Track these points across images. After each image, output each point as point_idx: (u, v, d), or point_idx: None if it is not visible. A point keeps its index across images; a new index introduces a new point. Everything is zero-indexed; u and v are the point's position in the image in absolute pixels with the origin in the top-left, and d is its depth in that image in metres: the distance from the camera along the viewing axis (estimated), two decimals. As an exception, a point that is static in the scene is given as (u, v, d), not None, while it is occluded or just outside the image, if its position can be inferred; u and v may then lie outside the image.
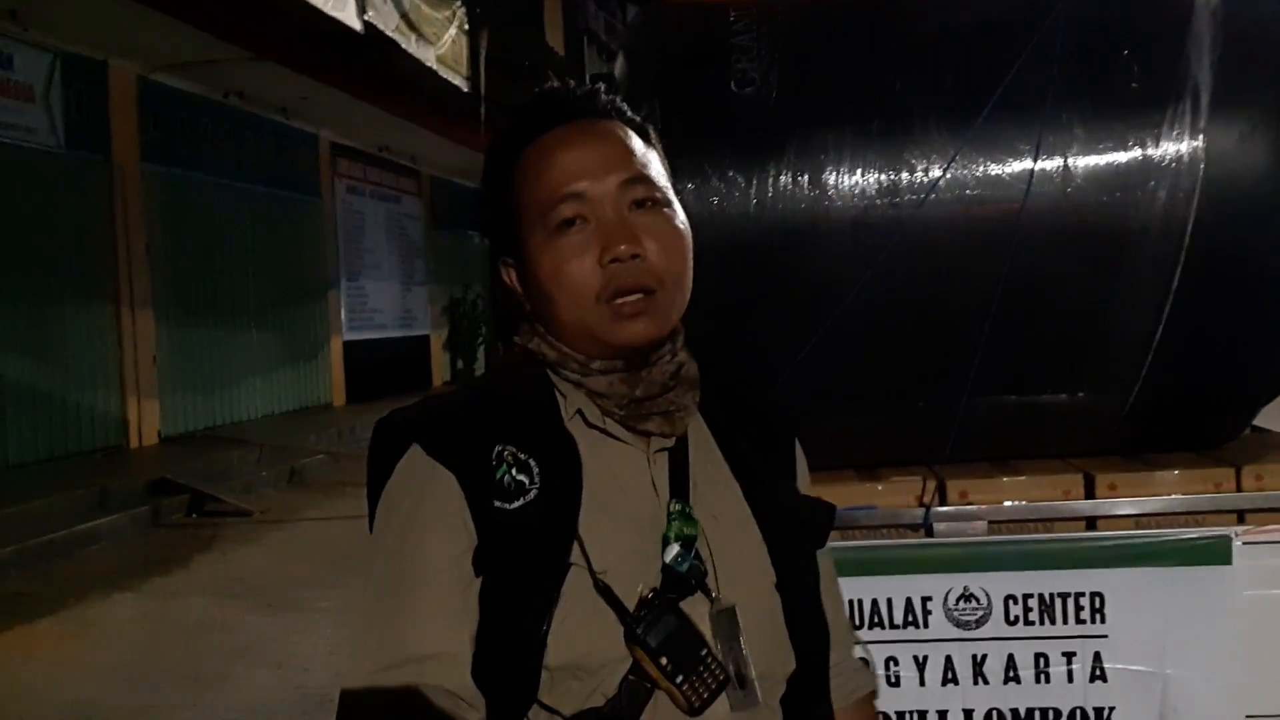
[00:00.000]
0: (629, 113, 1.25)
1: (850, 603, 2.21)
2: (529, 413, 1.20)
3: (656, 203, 1.18)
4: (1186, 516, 2.21)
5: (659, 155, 1.25)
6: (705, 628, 1.15)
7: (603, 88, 1.26)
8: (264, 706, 4.79)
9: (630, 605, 1.12)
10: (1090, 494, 2.24)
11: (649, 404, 1.18)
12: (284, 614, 6.18)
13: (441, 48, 11.90)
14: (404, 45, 10.86)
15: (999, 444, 2.38)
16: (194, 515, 8.90)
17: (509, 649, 1.12)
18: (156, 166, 11.33)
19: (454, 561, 1.13)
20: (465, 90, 12.65)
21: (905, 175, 2.12)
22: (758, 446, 1.29)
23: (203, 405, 12.02)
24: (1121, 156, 2.08)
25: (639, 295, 1.14)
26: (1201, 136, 2.06)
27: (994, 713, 2.21)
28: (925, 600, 2.21)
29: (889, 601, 2.22)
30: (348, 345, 15.67)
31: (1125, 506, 2.21)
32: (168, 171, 11.54)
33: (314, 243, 15.01)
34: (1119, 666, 2.17)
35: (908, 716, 2.22)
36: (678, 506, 1.17)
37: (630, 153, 1.20)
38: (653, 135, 1.26)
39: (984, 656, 2.20)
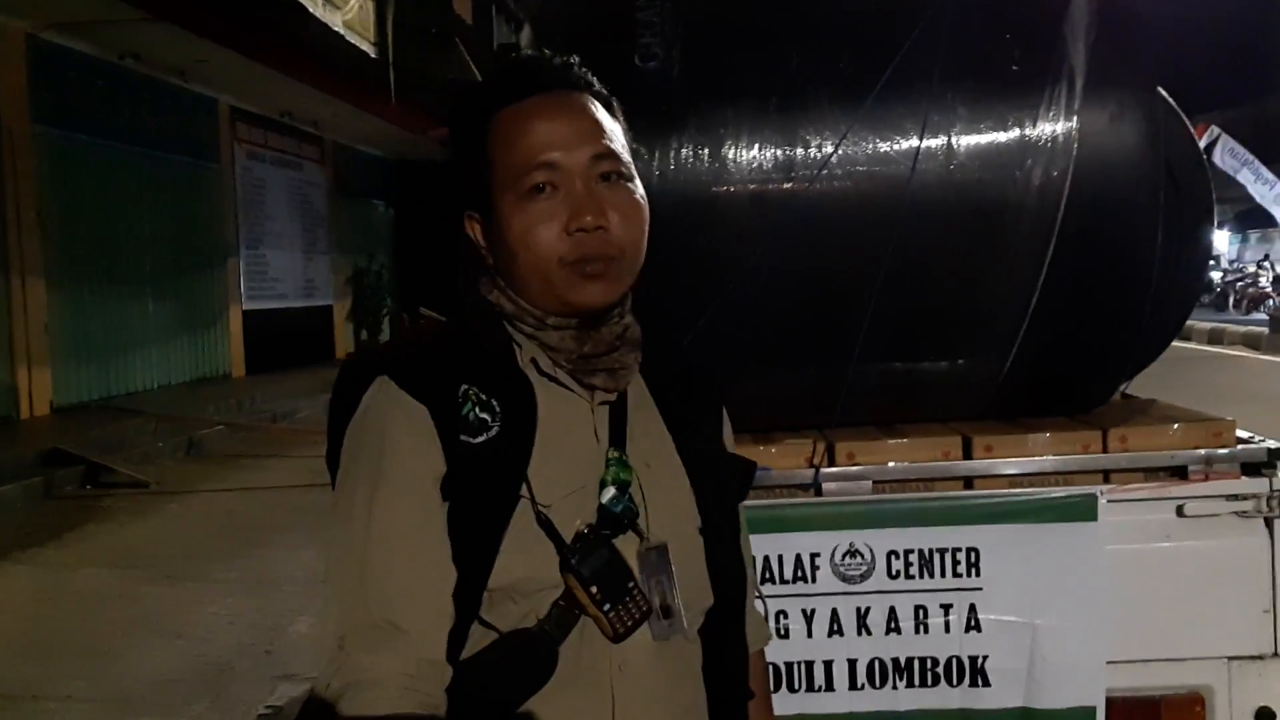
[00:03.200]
0: (599, 87, 1.34)
1: (744, 560, 2.31)
2: (489, 358, 1.30)
3: (621, 176, 1.29)
4: (1057, 476, 2.35)
5: (623, 129, 1.35)
6: (634, 564, 1.28)
7: (577, 61, 1.34)
8: (163, 677, 4.75)
9: (568, 538, 1.24)
10: (968, 455, 2.37)
11: (596, 360, 1.30)
12: (183, 585, 6.10)
13: (349, 13, 11.67)
14: (310, 9, 10.64)
15: (885, 409, 2.50)
16: (88, 487, 8.69)
17: (460, 570, 1.23)
18: (47, 129, 10.93)
19: (430, 488, 1.23)
20: (372, 56, 12.46)
21: (800, 151, 2.21)
22: (689, 405, 1.43)
23: (97, 375, 11.69)
24: (1001, 136, 2.20)
25: (601, 261, 1.25)
26: (1075, 117, 2.18)
27: (876, 662, 2.33)
28: (814, 556, 2.32)
29: (780, 558, 2.32)
30: (248, 315, 15.36)
31: (1000, 467, 2.35)
32: (59, 134, 11.14)
33: (213, 210, 14.65)
34: (992, 617, 2.31)
35: (796, 667, 2.34)
36: (615, 454, 1.30)
37: (601, 127, 1.30)
38: (617, 109, 1.36)
39: (867, 609, 2.32)
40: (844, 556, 2.32)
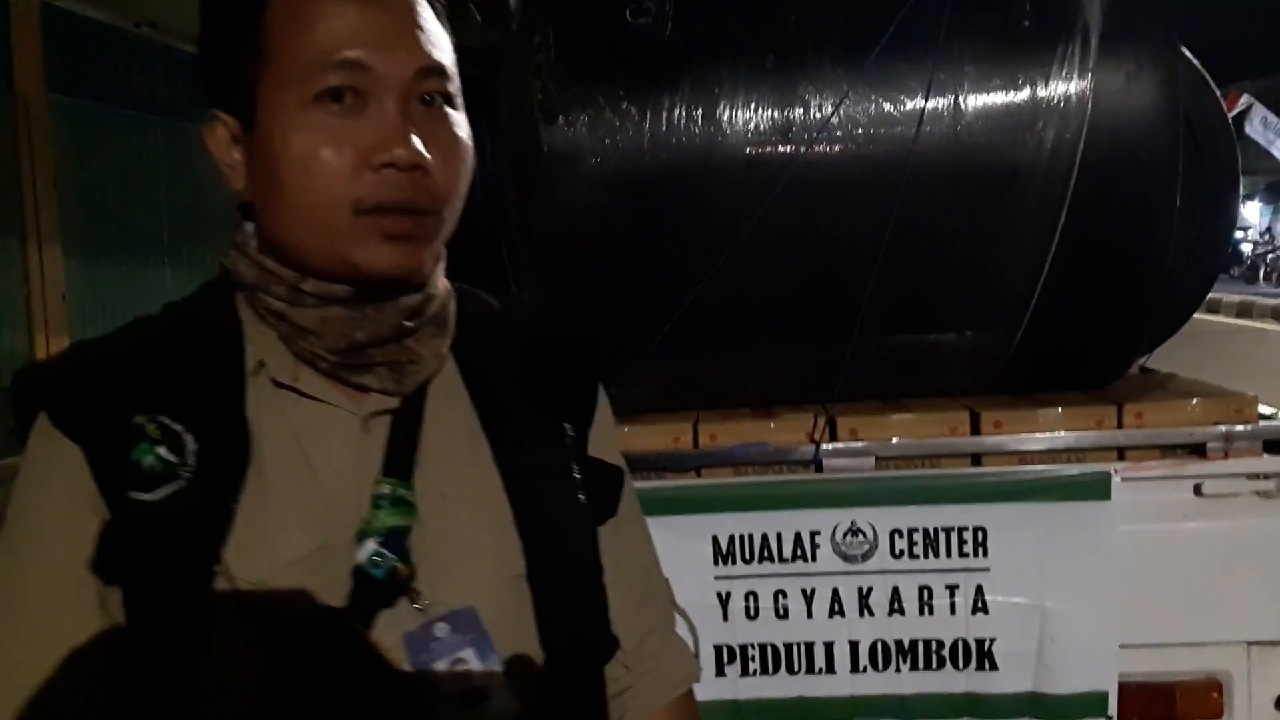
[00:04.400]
0: None
1: (741, 538, 2.24)
2: (198, 363, 0.93)
3: (449, 102, 0.93)
4: (1069, 454, 2.25)
5: (451, 43, 0.97)
6: (402, 652, 0.90)
7: None
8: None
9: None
10: (976, 431, 2.27)
11: (374, 351, 0.93)
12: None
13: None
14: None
15: (890, 383, 2.41)
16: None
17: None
18: (63, 97, 10.90)
19: (80, 576, 0.87)
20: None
21: (799, 112, 2.11)
22: (534, 396, 1.03)
23: (115, 344, 11.70)
24: (1012, 96, 2.09)
25: (409, 216, 0.89)
26: (1090, 76, 2.07)
27: (879, 644, 2.25)
28: (814, 535, 2.24)
29: (779, 536, 2.24)
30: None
31: (1010, 444, 2.25)
32: (76, 103, 11.11)
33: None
34: (1000, 599, 2.22)
35: (795, 648, 2.26)
36: (388, 488, 0.92)
37: (429, 33, 0.92)
38: (443, 14, 0.97)
39: (870, 589, 2.24)
40: (845, 535, 2.23)
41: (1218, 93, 3.07)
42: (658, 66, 2.14)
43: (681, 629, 1.26)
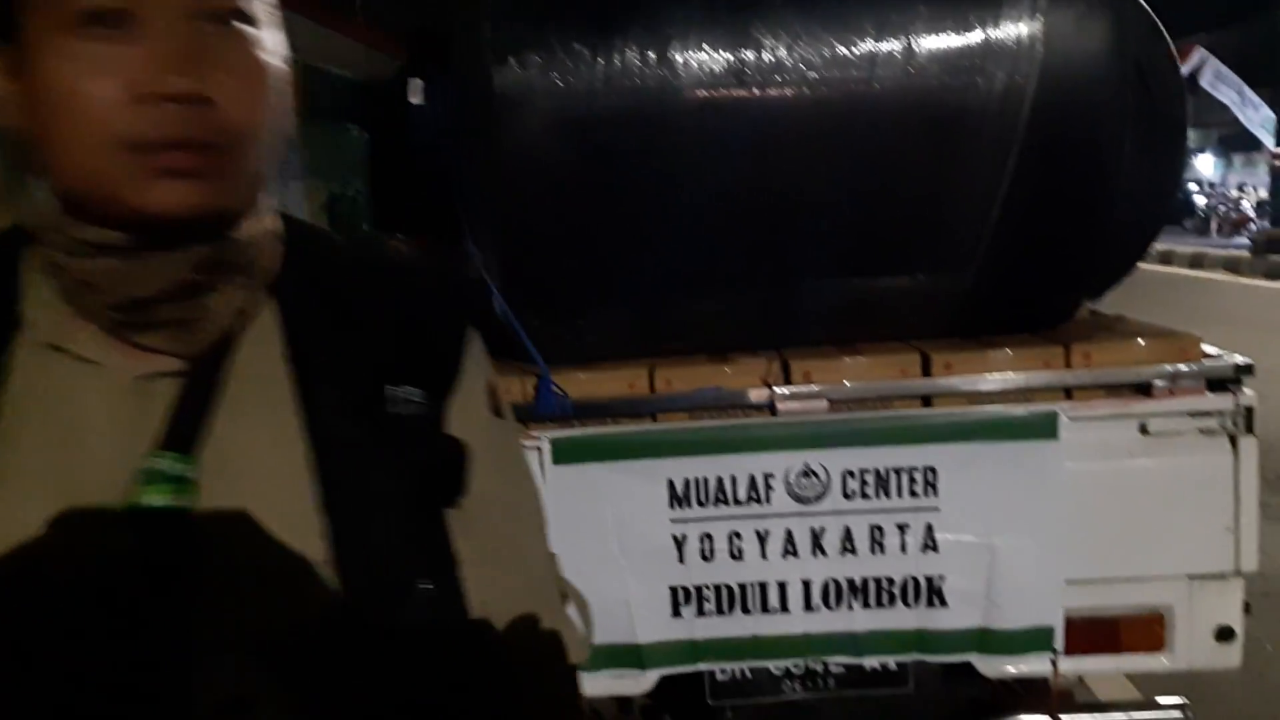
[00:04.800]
0: None
1: (697, 481, 2.26)
2: None
3: (245, 19, 0.80)
4: (1018, 394, 2.29)
5: None
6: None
7: None
8: None
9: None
10: (927, 373, 2.30)
11: (160, 308, 0.81)
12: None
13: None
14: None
15: (847, 327, 2.42)
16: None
17: None
18: None
19: None
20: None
21: (752, 53, 2.10)
22: (371, 356, 0.88)
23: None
24: (963, 38, 2.09)
25: (195, 151, 0.78)
26: (1040, 18, 2.08)
27: (831, 583, 2.29)
28: (768, 477, 2.26)
29: (733, 479, 2.26)
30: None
31: (959, 385, 2.28)
32: None
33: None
34: (949, 537, 2.27)
35: (750, 588, 2.29)
36: (161, 462, 0.79)
37: None
38: None
39: (822, 529, 2.27)
40: (799, 476, 2.26)
41: (1169, 41, 3.09)
42: (610, 6, 2.12)
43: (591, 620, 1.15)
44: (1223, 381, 2.26)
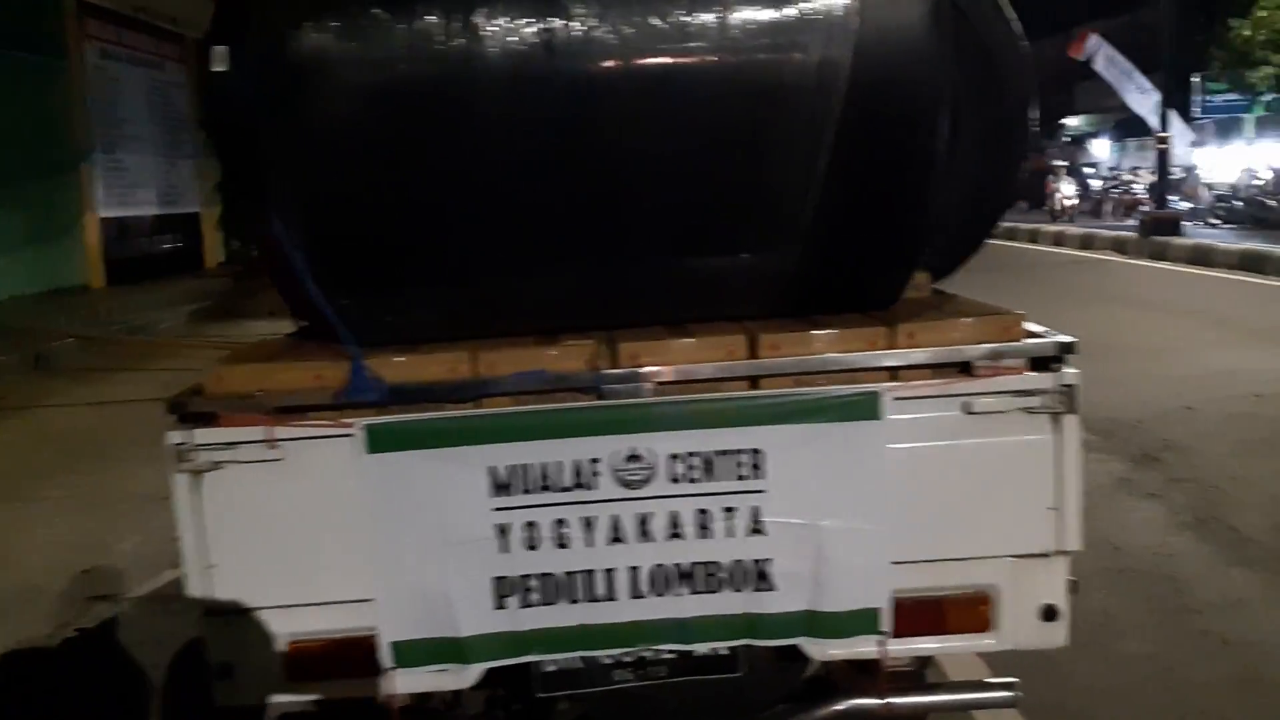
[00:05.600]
0: None
1: (520, 467, 2.19)
2: None
3: None
4: (844, 374, 2.26)
5: None
6: None
7: None
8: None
9: None
10: (754, 355, 2.26)
11: None
12: (9, 505, 5.77)
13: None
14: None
15: (677, 308, 2.37)
16: (-80, 405, 8.17)
17: None
18: None
19: None
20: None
21: (562, 23, 2.02)
22: None
23: (-66, 286, 10.99)
24: (778, 10, 2.04)
25: None
26: (856, -9, 2.03)
27: (659, 569, 2.24)
28: (594, 462, 2.20)
29: (558, 465, 2.20)
30: (105, 222, 14.59)
31: (784, 366, 2.24)
32: None
33: (61, 111, 13.75)
34: (776, 520, 2.23)
35: (576, 577, 2.23)
36: None
37: None
38: None
39: (649, 514, 2.22)
40: (625, 461, 2.20)
41: (1014, 21, 3.09)
42: (411, -28, 2.02)
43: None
44: (1045, 360, 2.25)
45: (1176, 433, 6.04)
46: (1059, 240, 20.62)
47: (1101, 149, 40.34)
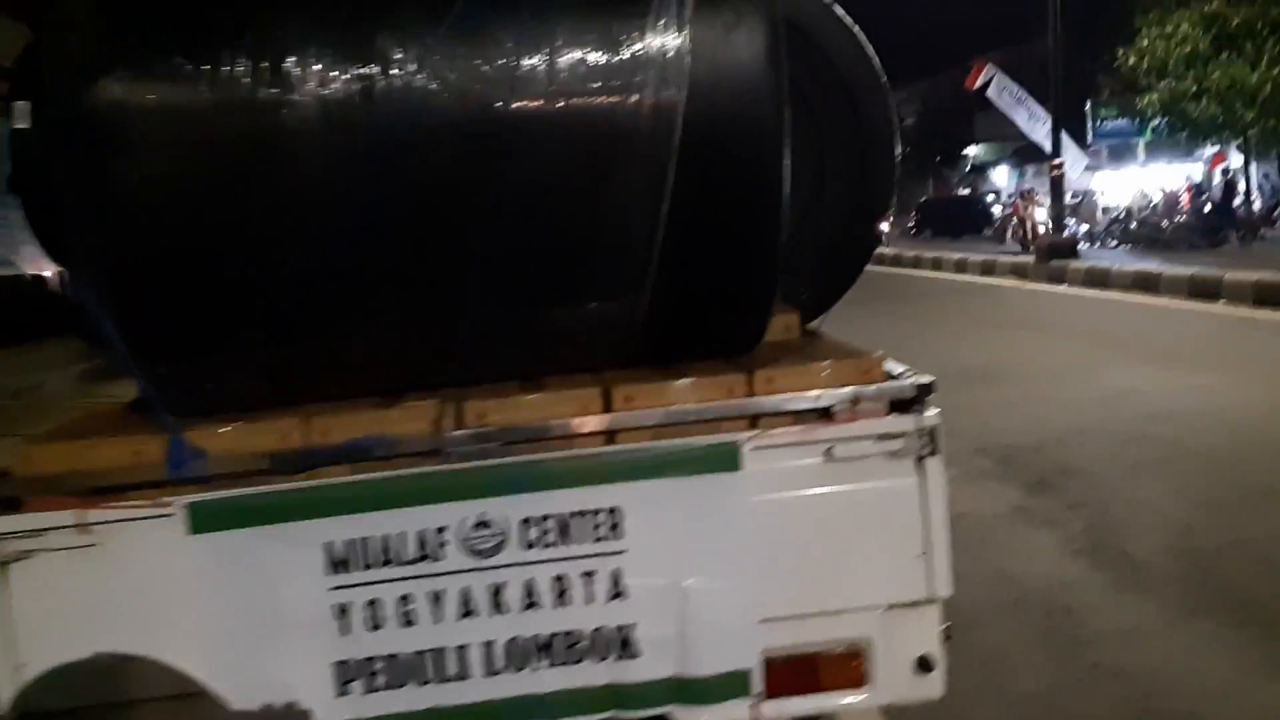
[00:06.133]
0: None
1: (360, 541, 2.05)
2: None
3: None
4: (701, 425, 2.16)
5: None
6: None
7: None
8: None
9: None
10: (609, 408, 2.15)
11: None
12: None
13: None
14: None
15: (528, 361, 2.25)
16: None
17: None
18: None
19: None
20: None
21: (379, 68, 1.90)
22: None
23: None
24: (608, 51, 1.95)
25: None
26: (688, 29, 1.95)
27: (515, 642, 2.11)
28: (440, 531, 2.07)
29: (401, 536, 2.06)
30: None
31: (641, 418, 2.14)
32: None
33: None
34: (638, 582, 2.12)
35: (425, 657, 2.09)
36: None
37: None
38: None
39: (502, 584, 2.09)
40: (474, 528, 2.07)
41: (874, 58, 3.07)
42: (216, 16, 1.89)
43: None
44: (906, 402, 2.18)
45: (1073, 457, 6.08)
46: (961, 267, 21.03)
47: (1001, 176, 41.50)
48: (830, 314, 3.21)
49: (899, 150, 3.14)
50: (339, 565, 2.05)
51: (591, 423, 2.14)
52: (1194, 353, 9.49)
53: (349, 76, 1.90)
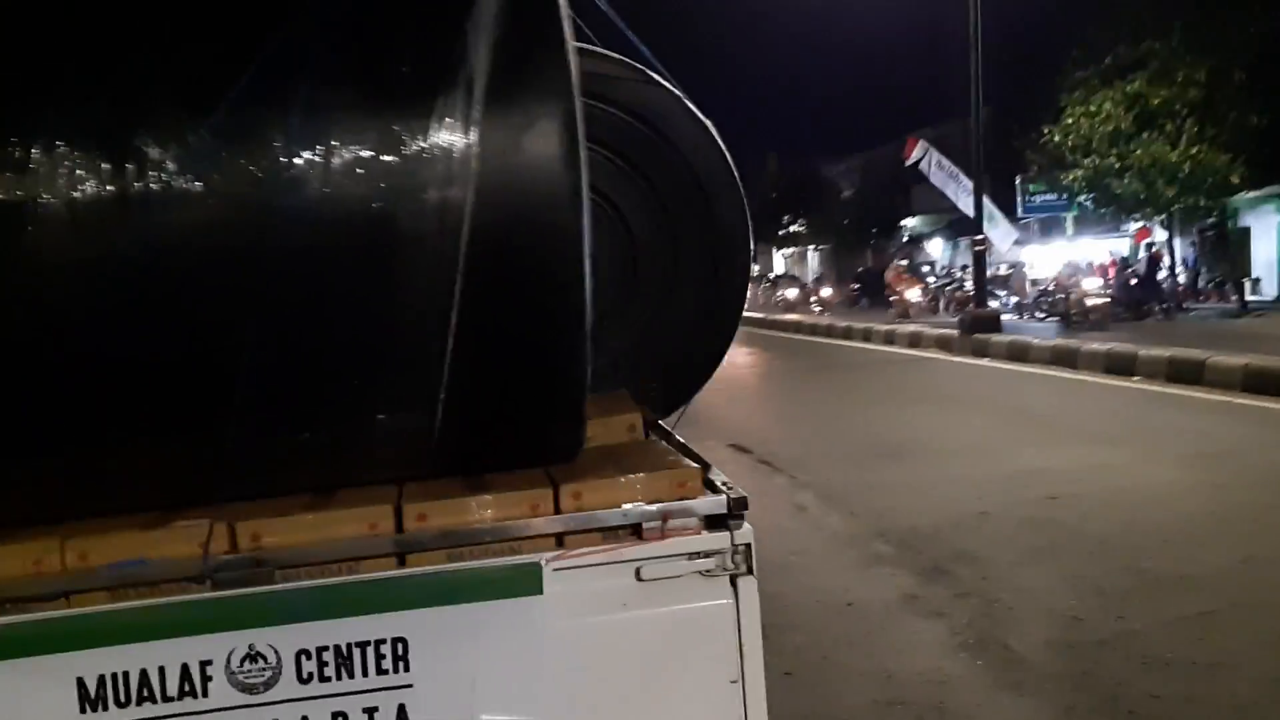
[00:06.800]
0: None
1: (115, 676, 1.86)
2: None
3: None
4: (503, 544, 2.02)
5: None
6: None
7: None
8: None
9: None
10: (400, 527, 2.00)
11: None
12: None
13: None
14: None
15: (309, 476, 2.09)
16: None
17: None
18: None
19: None
20: None
21: (136, 165, 1.77)
22: None
23: None
24: (389, 150, 1.84)
25: None
26: (476, 129, 1.85)
27: None
28: (204, 665, 1.89)
29: (161, 670, 1.88)
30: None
31: (431, 539, 1.99)
32: None
33: None
34: (425, 718, 1.95)
35: None
36: None
37: None
38: None
39: None
40: (242, 661, 1.90)
41: (725, 150, 3.01)
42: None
43: None
44: (721, 519, 2.06)
45: (970, 541, 6.01)
46: (890, 339, 21.22)
47: (936, 248, 42.25)
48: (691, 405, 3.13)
49: (753, 247, 3.07)
50: (92, 703, 1.86)
51: (378, 544, 1.99)
52: (1103, 429, 9.55)
53: (105, 176, 1.76)
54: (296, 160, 1.81)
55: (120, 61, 1.82)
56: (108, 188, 1.77)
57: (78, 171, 1.77)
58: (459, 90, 1.86)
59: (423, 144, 1.85)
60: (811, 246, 53.10)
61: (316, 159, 1.82)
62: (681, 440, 2.73)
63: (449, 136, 1.85)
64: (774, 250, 55.95)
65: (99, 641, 1.87)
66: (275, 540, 1.96)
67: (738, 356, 18.59)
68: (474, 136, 1.86)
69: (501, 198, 1.88)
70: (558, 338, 2.00)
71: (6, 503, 1.94)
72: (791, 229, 52.32)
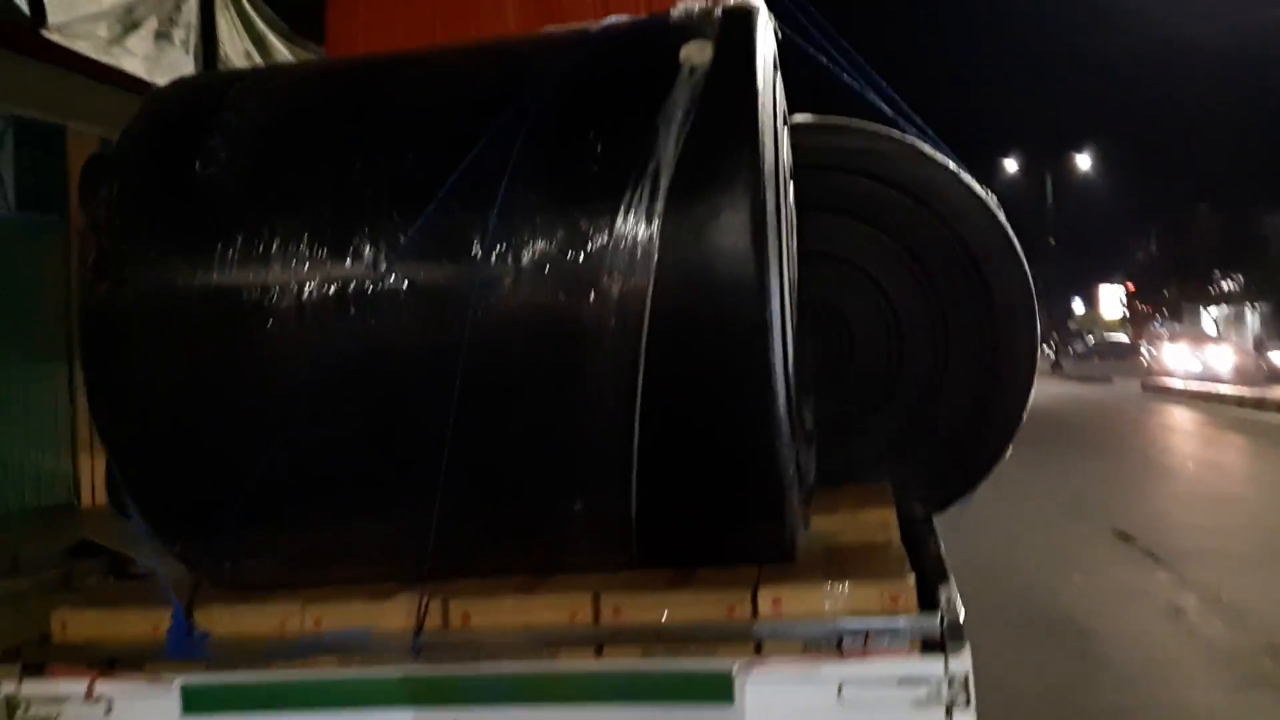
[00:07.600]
0: None
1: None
2: None
3: None
4: (699, 645, 1.94)
5: None
6: None
7: None
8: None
9: None
10: (597, 618, 1.98)
11: None
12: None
13: None
14: None
15: (515, 558, 2.14)
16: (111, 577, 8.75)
17: None
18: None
19: None
20: None
21: (354, 265, 1.92)
22: None
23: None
24: (575, 247, 1.85)
25: None
26: (657, 222, 1.82)
27: None
28: None
29: None
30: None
31: (625, 633, 1.95)
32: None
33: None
34: None
35: None
36: None
37: None
38: None
39: None
40: None
41: (1004, 222, 2.76)
42: (214, 218, 1.99)
43: None
44: (936, 642, 1.85)
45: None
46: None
47: None
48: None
49: (1040, 327, 2.77)
50: None
51: (575, 633, 1.98)
52: None
53: (324, 271, 1.93)
54: (493, 256, 1.88)
55: (354, 170, 1.98)
56: (335, 285, 1.93)
57: (309, 270, 1.94)
58: (644, 184, 1.84)
59: (607, 239, 1.84)
60: (1248, 304, 47.26)
61: (510, 255, 1.87)
62: (941, 545, 2.50)
63: (632, 230, 1.83)
64: (1200, 309, 50.42)
65: (329, 702, 2.01)
66: (484, 620, 2.01)
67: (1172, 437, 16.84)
68: (654, 229, 1.83)
69: (680, 291, 1.83)
70: (744, 433, 1.90)
71: (257, 568, 2.15)
72: (1224, 285, 46.89)
